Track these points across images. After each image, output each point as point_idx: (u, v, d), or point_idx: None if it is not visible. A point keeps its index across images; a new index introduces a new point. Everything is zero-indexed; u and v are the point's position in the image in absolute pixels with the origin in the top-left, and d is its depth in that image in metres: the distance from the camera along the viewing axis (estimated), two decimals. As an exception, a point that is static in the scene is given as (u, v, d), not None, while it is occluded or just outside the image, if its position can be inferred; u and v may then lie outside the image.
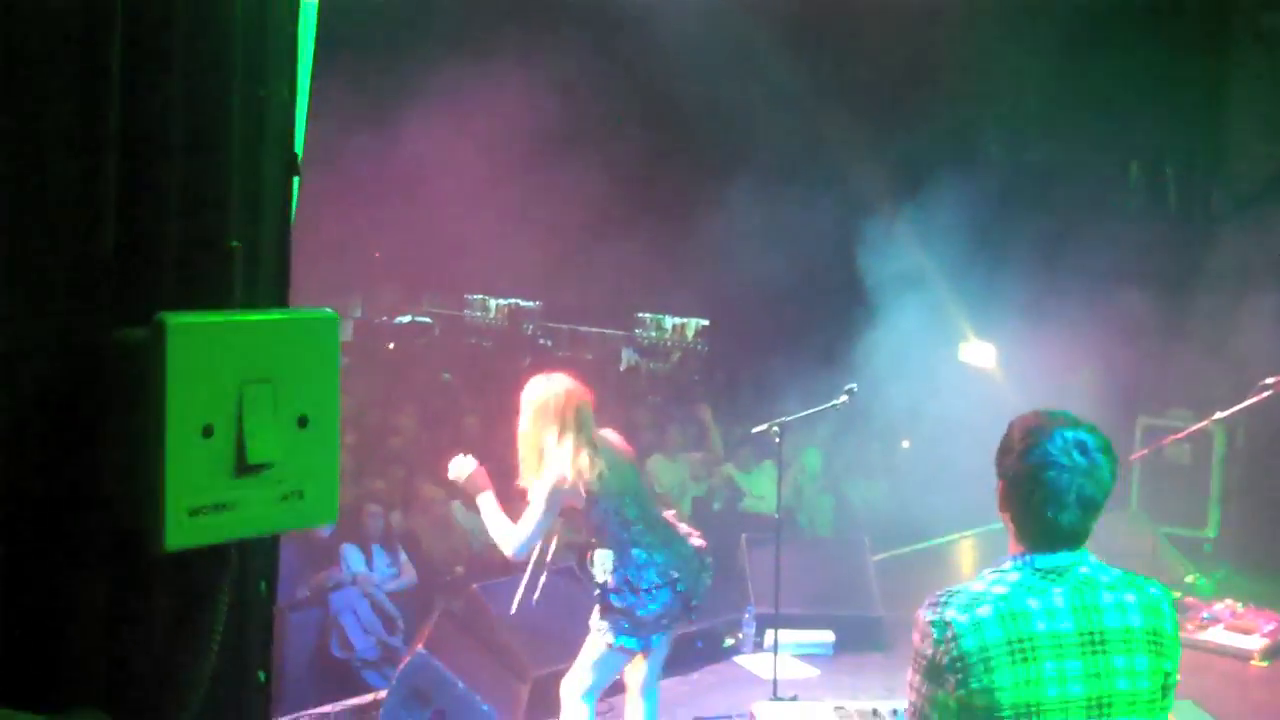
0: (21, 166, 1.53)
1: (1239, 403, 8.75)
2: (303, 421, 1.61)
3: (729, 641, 8.14)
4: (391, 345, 16.73)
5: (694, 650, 7.96)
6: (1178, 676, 2.89)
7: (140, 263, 1.62)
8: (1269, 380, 8.68)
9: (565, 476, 5.22)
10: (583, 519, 5.43)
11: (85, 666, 1.57)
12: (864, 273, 10.35)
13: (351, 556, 8.29)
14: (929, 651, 2.77)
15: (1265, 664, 8.42)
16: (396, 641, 7.87)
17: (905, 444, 12.25)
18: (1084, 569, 2.80)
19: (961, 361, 11.45)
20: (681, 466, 10.93)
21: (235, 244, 1.67)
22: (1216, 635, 8.52)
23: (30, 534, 1.52)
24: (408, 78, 12.15)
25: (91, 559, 1.56)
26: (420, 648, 6.28)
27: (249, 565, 1.75)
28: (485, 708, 6.18)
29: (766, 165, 12.01)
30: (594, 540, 5.44)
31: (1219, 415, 8.92)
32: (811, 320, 12.34)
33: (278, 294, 1.80)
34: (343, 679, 7.57)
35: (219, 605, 1.61)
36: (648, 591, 5.36)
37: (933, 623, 2.78)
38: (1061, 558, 2.80)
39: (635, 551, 5.38)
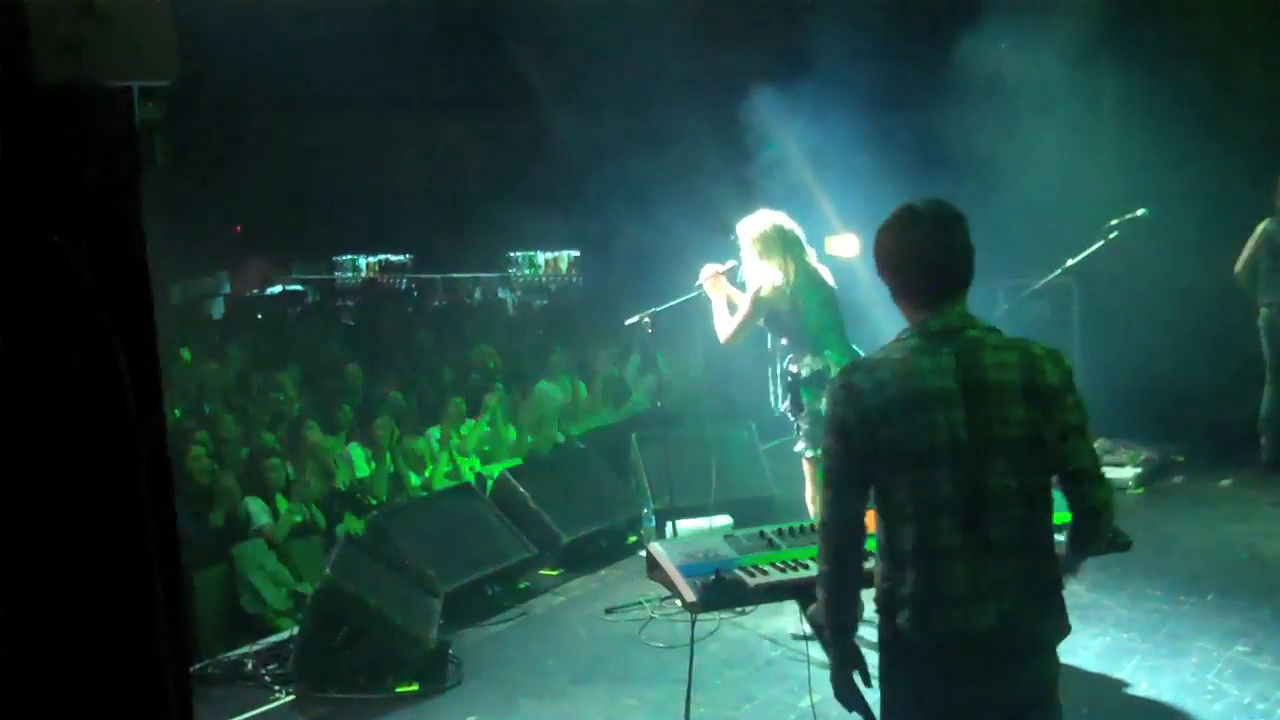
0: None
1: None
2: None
3: (632, 538, 8.31)
4: (260, 316, 16.49)
5: (600, 549, 8.12)
6: (1074, 420, 3.13)
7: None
8: (1113, 222, 9.05)
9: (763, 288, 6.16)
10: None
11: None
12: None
13: (255, 508, 8.28)
14: (839, 413, 3.15)
15: (1140, 491, 8.86)
16: (307, 589, 7.88)
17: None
18: (972, 333, 3.16)
19: (828, 254, 11.63)
20: (568, 387, 11.04)
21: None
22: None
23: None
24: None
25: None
26: (326, 572, 6.29)
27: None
28: (399, 622, 6.23)
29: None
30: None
31: (1070, 262, 9.28)
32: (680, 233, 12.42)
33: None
34: (258, 630, 7.58)
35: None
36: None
37: (842, 386, 3.16)
38: (949, 318, 3.15)
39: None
